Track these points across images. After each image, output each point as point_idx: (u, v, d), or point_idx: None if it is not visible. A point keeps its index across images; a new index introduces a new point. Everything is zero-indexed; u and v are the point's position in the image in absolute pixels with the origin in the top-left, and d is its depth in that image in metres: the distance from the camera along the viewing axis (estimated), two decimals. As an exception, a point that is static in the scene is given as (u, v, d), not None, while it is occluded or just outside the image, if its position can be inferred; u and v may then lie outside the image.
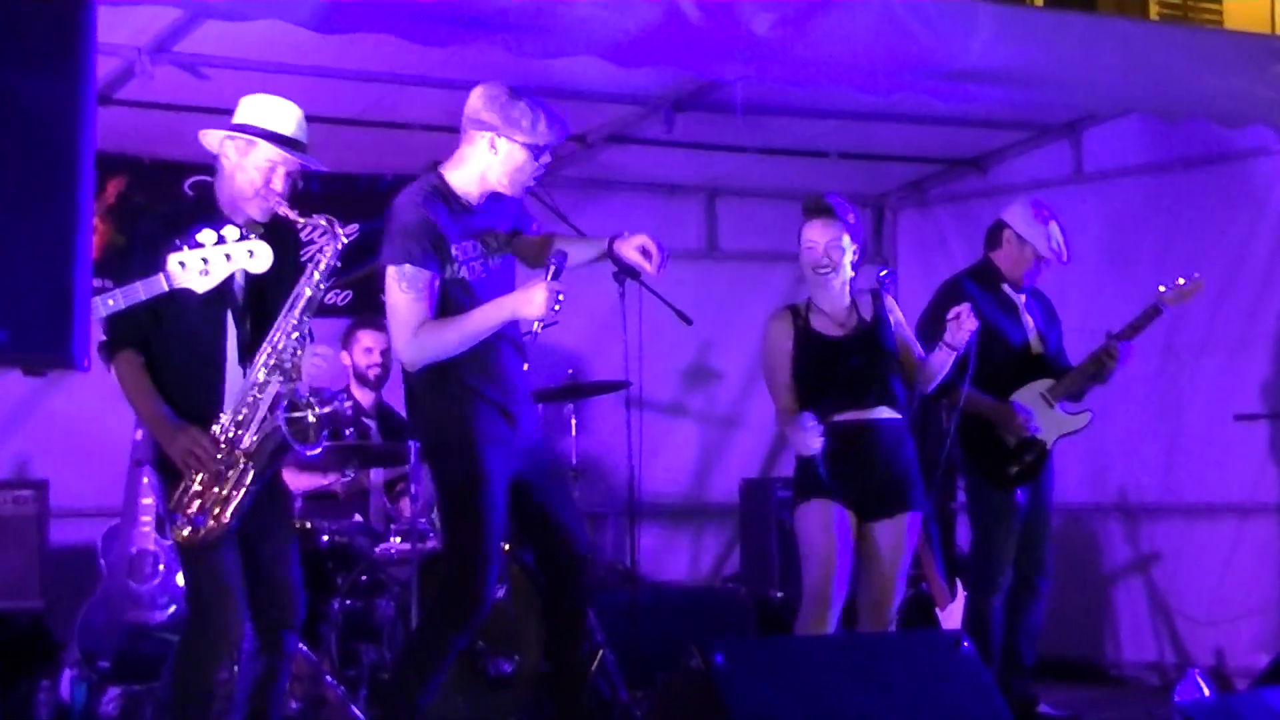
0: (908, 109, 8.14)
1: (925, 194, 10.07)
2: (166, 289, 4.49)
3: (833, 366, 6.27)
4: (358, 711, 6.69)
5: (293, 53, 6.94)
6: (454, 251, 5.64)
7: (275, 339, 5.16)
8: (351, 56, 7.10)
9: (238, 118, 5.44)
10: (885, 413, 6.30)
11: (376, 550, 7.12)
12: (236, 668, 5.50)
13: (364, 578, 7.07)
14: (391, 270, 5.57)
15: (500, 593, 6.96)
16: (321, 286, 5.20)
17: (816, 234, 6.33)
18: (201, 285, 4.51)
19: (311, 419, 5.19)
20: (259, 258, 4.59)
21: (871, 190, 10.06)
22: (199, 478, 5.11)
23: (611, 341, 7.78)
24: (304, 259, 5.41)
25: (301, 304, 5.19)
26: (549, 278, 5.52)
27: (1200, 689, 5.93)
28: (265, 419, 5.13)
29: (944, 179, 9.94)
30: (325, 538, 7.22)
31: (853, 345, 6.31)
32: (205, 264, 4.49)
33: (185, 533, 5.13)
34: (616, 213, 9.25)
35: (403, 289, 5.55)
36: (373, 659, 6.87)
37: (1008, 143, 9.45)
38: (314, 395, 5.24)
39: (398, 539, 7.19)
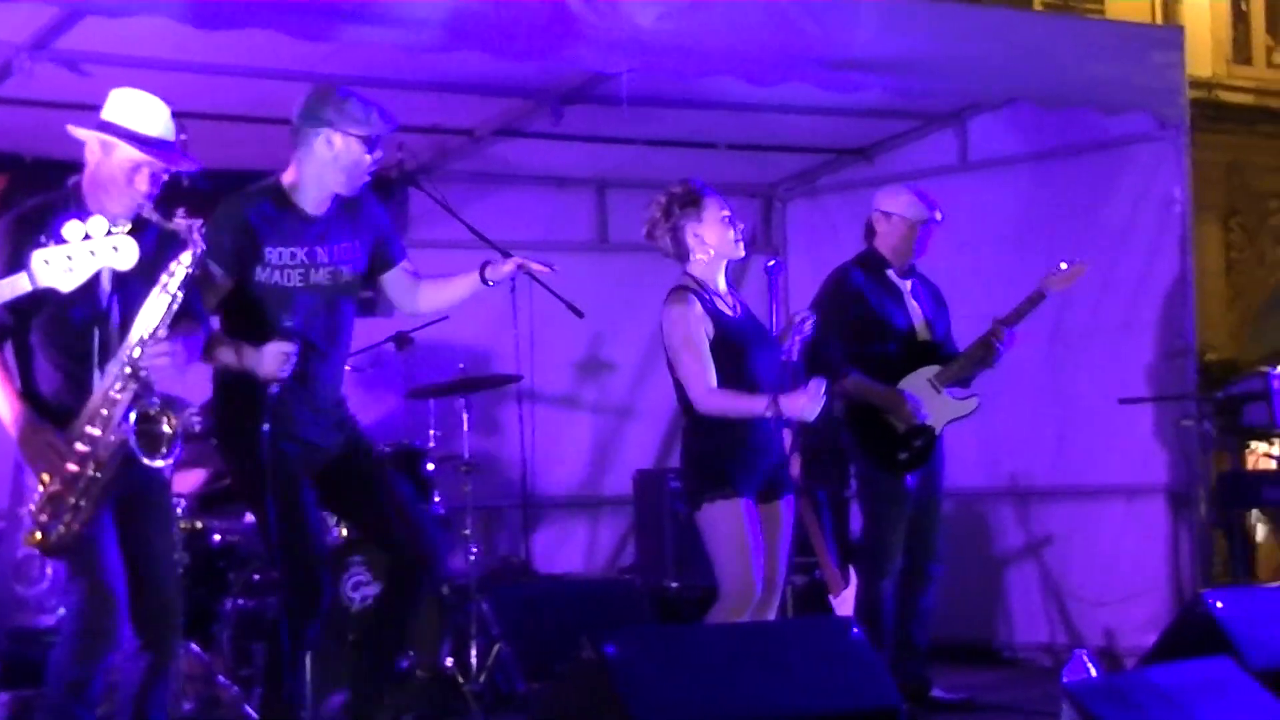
0: (795, 99, 8.18)
1: (814, 184, 10.12)
2: (31, 288, 4.43)
3: (742, 349, 6.19)
4: (251, 711, 6.65)
5: (175, 49, 6.88)
6: (267, 253, 5.65)
7: (130, 347, 5.10)
8: (235, 52, 7.03)
9: (105, 112, 5.36)
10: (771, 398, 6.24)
11: (268, 548, 7.07)
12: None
13: (256, 576, 7.03)
14: None
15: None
16: (179, 295, 5.12)
17: (723, 207, 6.17)
18: (67, 283, 4.45)
19: (166, 429, 5.14)
20: (124, 253, 4.52)
21: (761, 180, 10.11)
22: (53, 481, 5.06)
23: (503, 336, 7.79)
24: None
25: (158, 313, 5.11)
26: (281, 338, 5.54)
27: (1087, 669, 5.99)
28: (119, 427, 5.08)
29: (833, 169, 9.99)
30: (216, 536, 7.17)
31: (747, 329, 6.23)
32: (70, 261, 4.43)
33: (37, 537, 5.08)
34: (507, 206, 9.24)
35: None
36: (266, 658, 6.83)
37: (895, 132, 9.51)
38: (167, 405, 5.18)
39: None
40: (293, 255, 5.69)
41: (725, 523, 6.01)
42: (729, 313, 6.15)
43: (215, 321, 5.67)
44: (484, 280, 6.02)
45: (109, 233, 4.50)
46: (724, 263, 6.25)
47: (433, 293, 6.17)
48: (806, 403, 5.92)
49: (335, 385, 5.90)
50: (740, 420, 6.04)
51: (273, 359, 5.51)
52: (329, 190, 5.76)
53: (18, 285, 4.49)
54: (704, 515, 6.06)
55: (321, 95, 5.77)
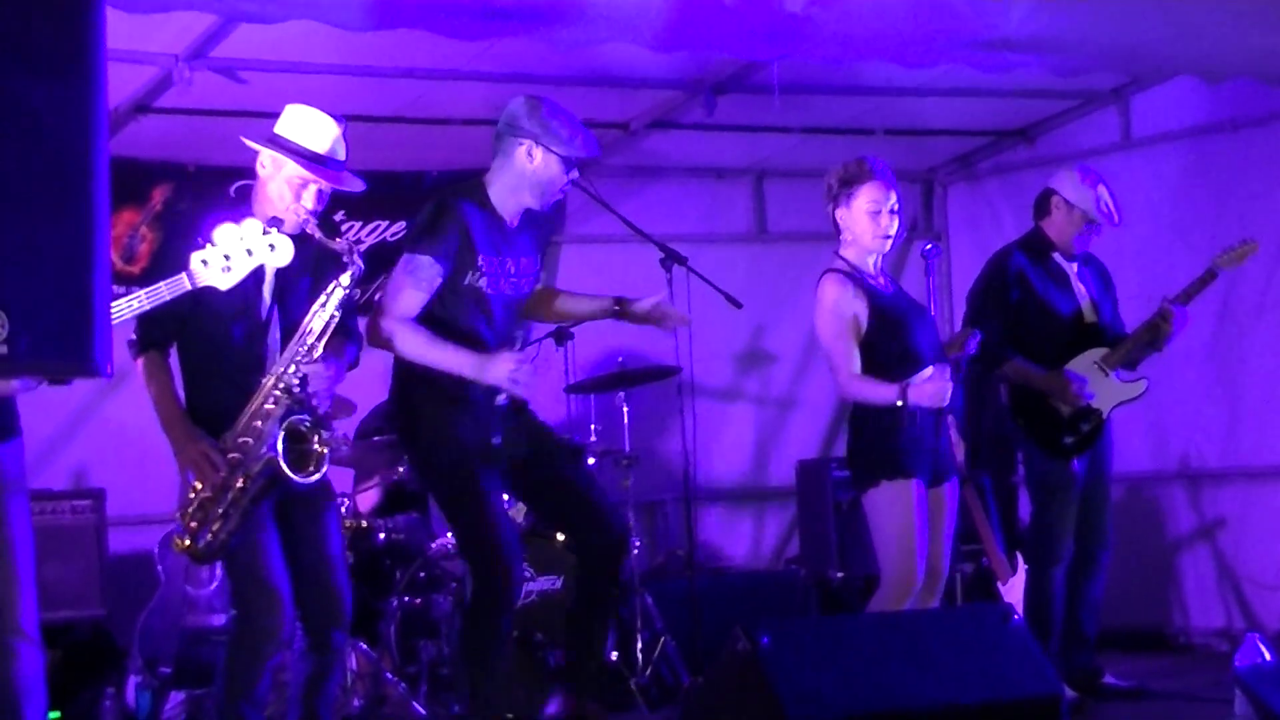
0: (951, 82, 8.10)
1: (974, 167, 10.01)
2: (190, 288, 4.49)
3: (905, 330, 6.07)
4: (419, 707, 6.71)
5: (329, 52, 6.97)
6: (480, 261, 5.68)
7: (285, 362, 5.19)
8: (388, 54, 7.12)
9: (278, 126, 5.45)
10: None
11: (432, 546, 7.13)
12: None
13: (421, 574, 7.09)
14: (405, 256, 5.65)
15: (557, 583, 6.99)
16: (336, 314, 5.20)
17: (879, 197, 6.06)
18: (225, 282, 4.51)
19: (316, 447, 5.23)
20: (280, 251, 4.58)
21: (920, 165, 10.01)
22: (204, 488, 5.16)
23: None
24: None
25: (315, 331, 5.20)
26: (516, 347, 5.64)
27: (1260, 653, 5.86)
28: (269, 442, 5.17)
29: (992, 151, 9.88)
30: (382, 535, 7.24)
31: (904, 310, 6.14)
32: (227, 260, 4.48)
33: (185, 543, 5.20)
34: (663, 199, 9.24)
35: (406, 272, 5.62)
36: (432, 654, 6.90)
37: (1054, 112, 9.37)
38: (318, 424, 5.26)
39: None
40: (491, 261, 5.72)
41: (895, 506, 5.93)
42: (882, 290, 6.08)
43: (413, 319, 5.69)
44: (617, 313, 6.08)
45: (264, 232, 4.55)
46: (885, 243, 6.16)
47: (561, 307, 6.29)
48: (933, 389, 5.84)
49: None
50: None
51: (509, 371, 5.55)
52: (523, 202, 5.80)
53: (177, 285, 4.55)
54: (873, 498, 5.99)
55: (529, 107, 5.79)
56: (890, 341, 6.01)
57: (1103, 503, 7.33)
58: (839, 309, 6.00)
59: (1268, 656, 5.88)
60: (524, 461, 5.85)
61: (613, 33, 6.45)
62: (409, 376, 5.73)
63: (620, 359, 8.00)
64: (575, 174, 5.83)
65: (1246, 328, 8.62)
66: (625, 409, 7.81)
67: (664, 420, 8.48)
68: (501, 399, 5.64)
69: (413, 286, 5.60)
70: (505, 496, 6.86)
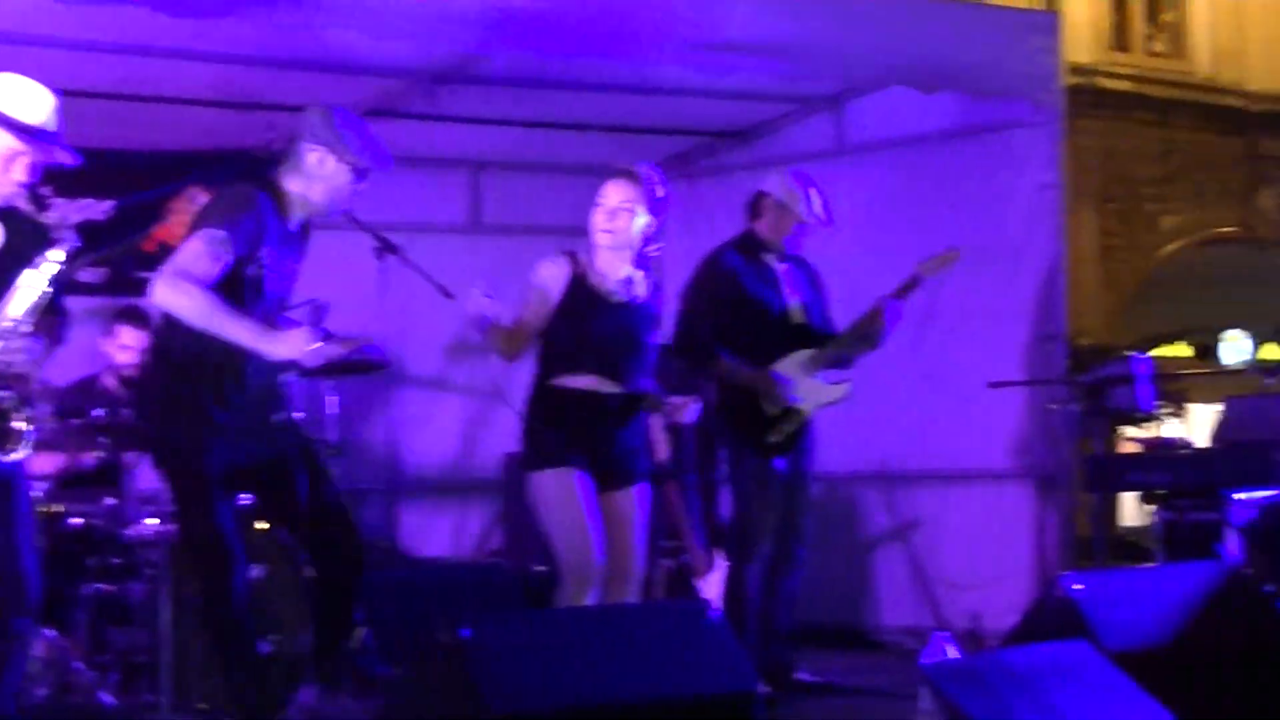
0: (671, 81, 8.17)
1: (690, 167, 10.09)
2: None
3: (595, 328, 6.14)
4: (107, 696, 6.57)
5: (40, 23, 6.78)
6: (262, 254, 5.63)
7: None
8: (102, 28, 6.94)
9: None
10: (630, 389, 6.19)
11: (127, 532, 6.96)
12: None
13: (115, 560, 6.92)
14: (202, 230, 5.52)
15: (256, 572, 6.88)
16: (46, 290, 5.06)
17: (608, 194, 6.17)
18: None
19: (18, 425, 5.08)
20: None
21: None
22: None
23: (370, 315, 7.73)
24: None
25: (23, 306, 5.05)
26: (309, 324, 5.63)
27: (945, 652, 6.03)
28: None
29: (709, 152, 9.99)
30: (74, 520, 7.03)
31: (620, 315, 6.19)
32: None
33: None
34: (379, 188, 9.08)
35: (201, 242, 5.49)
36: (124, 643, 6.74)
37: (772, 115, 9.52)
38: (21, 400, 5.11)
39: (153, 520, 7.02)
40: (272, 257, 5.66)
41: (554, 493, 6.05)
42: (601, 290, 6.13)
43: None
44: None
45: None
46: (619, 250, 6.19)
47: None
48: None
49: (261, 378, 5.79)
50: (577, 396, 6.09)
51: (304, 343, 5.47)
52: (310, 208, 5.78)
53: None
54: (532, 485, 6.13)
55: (323, 116, 5.75)
56: (567, 331, 6.14)
57: (803, 501, 7.46)
58: (533, 281, 6.21)
59: (953, 654, 6.05)
60: (270, 456, 5.81)
61: (335, 19, 6.41)
62: (170, 356, 5.65)
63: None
64: (364, 185, 5.82)
65: (949, 333, 8.83)
66: (333, 397, 7.72)
67: (371, 409, 8.41)
68: (290, 375, 5.56)
69: (209, 256, 5.46)
70: None
